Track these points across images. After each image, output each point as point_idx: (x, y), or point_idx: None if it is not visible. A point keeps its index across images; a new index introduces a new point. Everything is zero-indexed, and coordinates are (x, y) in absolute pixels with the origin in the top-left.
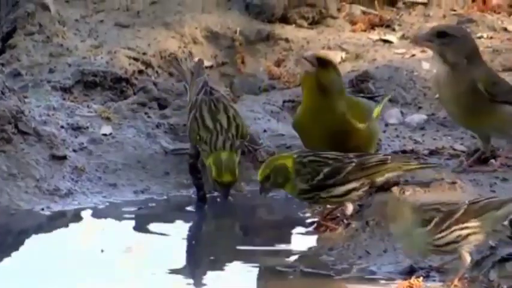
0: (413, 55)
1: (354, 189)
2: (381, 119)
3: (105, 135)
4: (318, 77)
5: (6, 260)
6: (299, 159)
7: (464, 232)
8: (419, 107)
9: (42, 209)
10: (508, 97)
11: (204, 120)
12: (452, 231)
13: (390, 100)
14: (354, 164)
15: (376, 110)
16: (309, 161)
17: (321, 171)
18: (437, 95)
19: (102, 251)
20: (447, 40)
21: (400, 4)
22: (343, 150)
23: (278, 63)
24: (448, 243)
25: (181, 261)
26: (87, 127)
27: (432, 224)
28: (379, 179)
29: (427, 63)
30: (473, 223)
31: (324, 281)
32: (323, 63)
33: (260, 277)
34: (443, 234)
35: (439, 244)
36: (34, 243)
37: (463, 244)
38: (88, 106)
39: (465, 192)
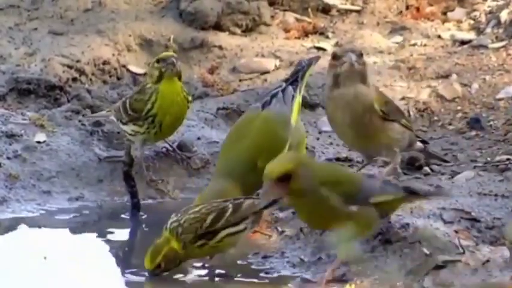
0: None
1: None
2: (315, 126)
3: (39, 142)
4: None
5: None
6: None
7: None
8: None
9: None
10: (397, 116)
11: None
12: None
13: (323, 107)
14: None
15: (296, 105)
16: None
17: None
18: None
19: (45, 258)
20: (363, 59)
21: (333, 12)
22: None
23: (212, 71)
24: None
25: (114, 269)
26: (21, 135)
27: None
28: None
29: None
30: None
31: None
32: None
33: (193, 285)
34: None
35: None
36: None
37: None
38: (22, 114)
39: None
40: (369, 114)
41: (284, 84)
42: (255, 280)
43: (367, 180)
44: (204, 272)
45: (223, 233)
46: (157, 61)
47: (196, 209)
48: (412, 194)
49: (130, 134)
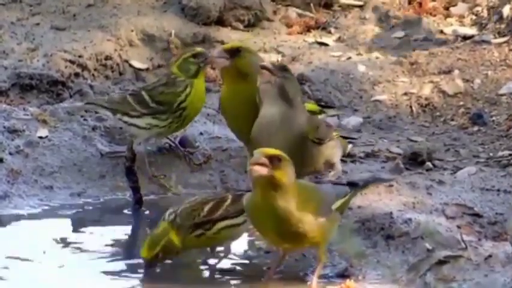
0: (349, 58)
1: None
2: None
3: (41, 138)
4: (236, 67)
5: None
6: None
7: None
8: (355, 110)
9: None
10: (328, 135)
11: None
12: None
13: (326, 102)
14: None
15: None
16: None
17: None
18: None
19: (44, 252)
20: (288, 74)
21: (336, 7)
22: None
23: (214, 66)
24: None
25: (117, 264)
26: (24, 130)
27: None
28: None
29: (362, 66)
30: None
31: (260, 284)
32: (235, 52)
33: (197, 280)
34: None
35: None
36: None
37: None
38: (24, 109)
39: (402, 195)
40: (303, 145)
41: None
42: (257, 275)
43: (324, 189)
44: (205, 266)
45: (221, 224)
46: (194, 56)
47: (193, 198)
48: (355, 186)
49: (141, 128)
